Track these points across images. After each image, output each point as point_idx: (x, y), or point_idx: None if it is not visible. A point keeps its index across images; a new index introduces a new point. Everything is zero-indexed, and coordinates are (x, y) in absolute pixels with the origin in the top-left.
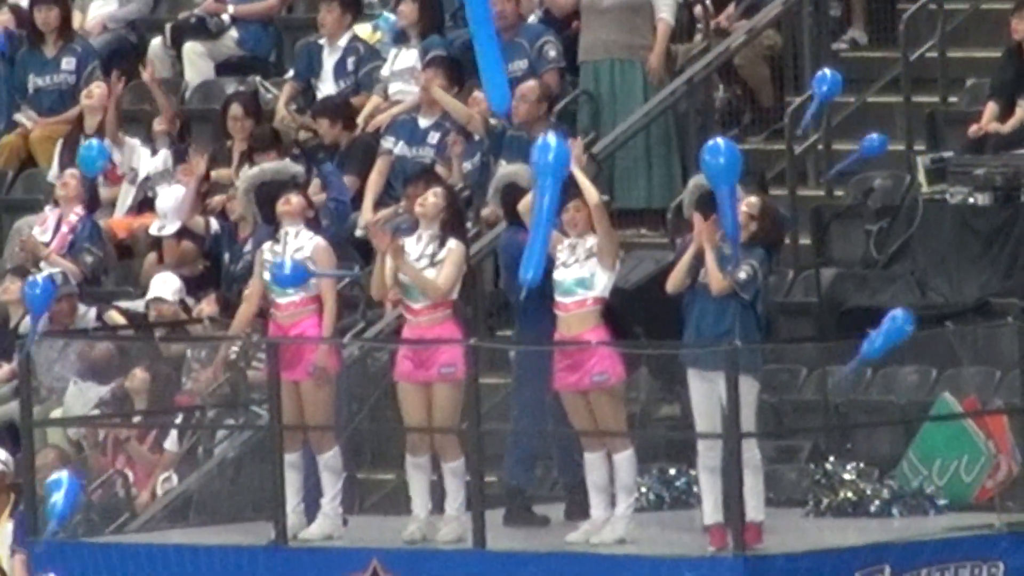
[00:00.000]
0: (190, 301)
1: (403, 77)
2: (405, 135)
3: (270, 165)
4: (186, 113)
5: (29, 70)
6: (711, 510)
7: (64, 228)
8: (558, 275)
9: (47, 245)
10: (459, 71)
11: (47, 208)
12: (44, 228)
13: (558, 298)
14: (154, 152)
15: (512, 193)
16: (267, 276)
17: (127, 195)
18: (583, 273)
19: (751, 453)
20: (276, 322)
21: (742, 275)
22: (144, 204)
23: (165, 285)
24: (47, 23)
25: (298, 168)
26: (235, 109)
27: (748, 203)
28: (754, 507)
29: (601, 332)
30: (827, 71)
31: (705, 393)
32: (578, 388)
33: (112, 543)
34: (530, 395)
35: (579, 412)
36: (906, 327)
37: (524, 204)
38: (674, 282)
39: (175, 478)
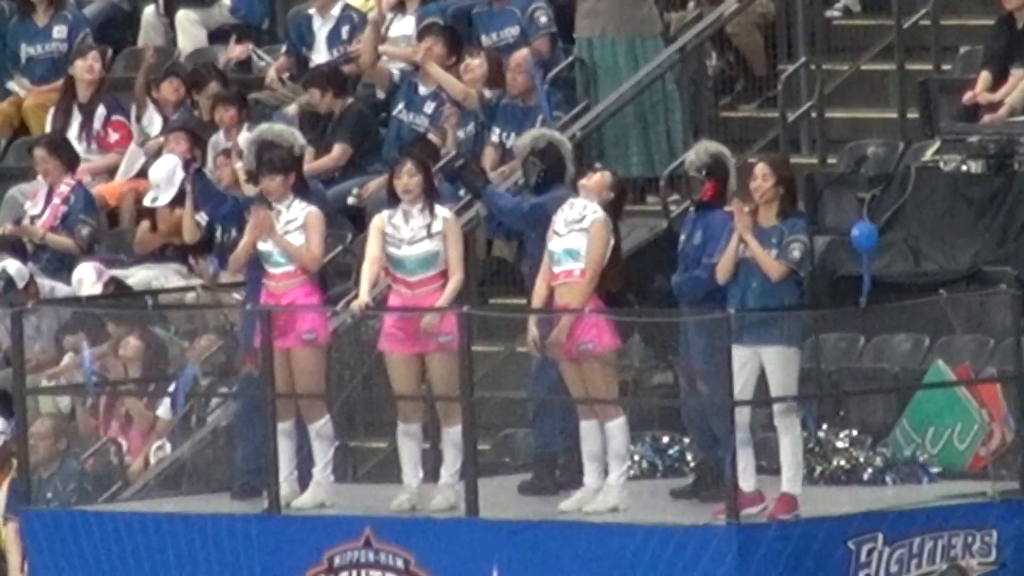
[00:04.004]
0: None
1: (398, 45)
2: (404, 97)
3: (275, 127)
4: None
5: (20, 39)
6: (746, 477)
7: (56, 200)
8: (552, 245)
9: (39, 216)
10: (457, 39)
11: (39, 178)
12: (35, 201)
13: (552, 267)
14: (166, 120)
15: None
16: (261, 246)
17: (135, 159)
18: (572, 244)
19: (790, 424)
20: (268, 291)
21: (796, 254)
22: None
23: (83, 283)
24: None
25: (299, 140)
26: (214, 88)
27: (603, 176)
28: (789, 479)
29: (592, 302)
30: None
31: (740, 363)
32: (568, 356)
33: (105, 511)
34: (545, 364)
35: (574, 380)
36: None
37: None
38: (725, 272)
39: (168, 446)
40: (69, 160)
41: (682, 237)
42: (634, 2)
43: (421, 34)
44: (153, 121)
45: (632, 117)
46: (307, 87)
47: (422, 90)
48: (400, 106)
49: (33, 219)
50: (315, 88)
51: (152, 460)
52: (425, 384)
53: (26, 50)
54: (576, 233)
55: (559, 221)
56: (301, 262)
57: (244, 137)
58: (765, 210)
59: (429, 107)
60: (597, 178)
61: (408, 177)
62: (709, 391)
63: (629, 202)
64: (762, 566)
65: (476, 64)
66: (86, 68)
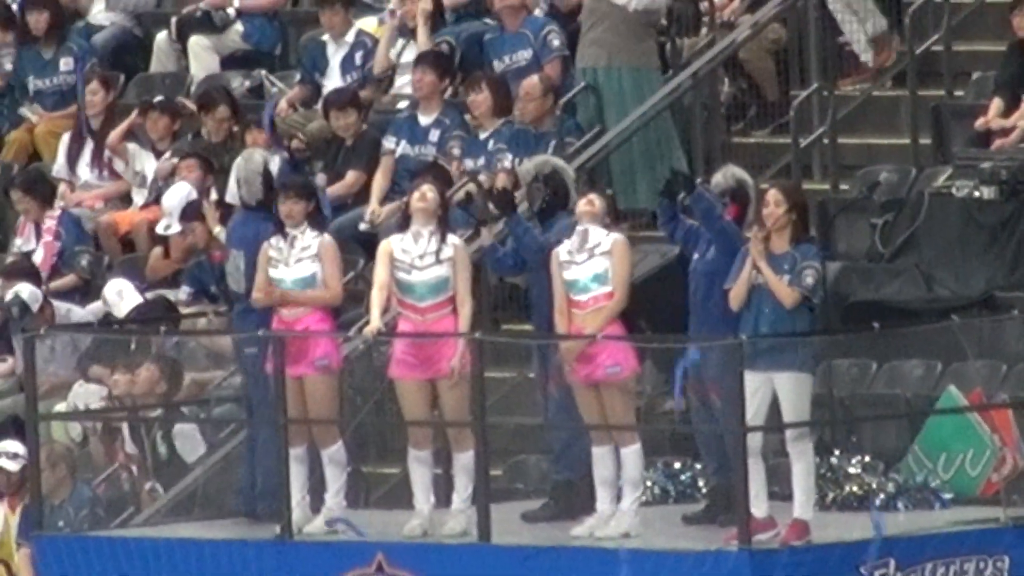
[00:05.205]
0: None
1: (409, 70)
2: (406, 134)
3: (254, 158)
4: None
5: (28, 72)
6: (758, 502)
7: (47, 236)
8: (570, 274)
9: (33, 252)
10: (448, 64)
11: (22, 217)
12: (25, 236)
13: (574, 296)
14: (159, 155)
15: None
16: (272, 273)
17: (138, 198)
18: (597, 269)
19: (803, 450)
20: (281, 318)
21: (809, 280)
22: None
23: (124, 295)
24: (38, 25)
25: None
26: (223, 111)
27: (592, 199)
28: (801, 505)
29: (615, 327)
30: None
31: (752, 389)
32: (590, 380)
33: (117, 537)
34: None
35: (589, 405)
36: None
37: None
38: (738, 299)
39: (159, 487)
40: (45, 195)
41: (695, 256)
42: (638, 35)
43: (415, 66)
44: (137, 157)
45: (640, 148)
46: (331, 111)
47: (423, 120)
48: (402, 144)
49: (27, 254)
50: (340, 111)
51: (147, 498)
52: (437, 410)
53: (34, 83)
54: (599, 258)
55: (571, 250)
56: (325, 304)
57: (237, 164)
58: (778, 236)
59: (434, 135)
60: (599, 204)
61: (428, 190)
62: (722, 403)
63: (639, 228)
64: None
65: (481, 99)
66: (96, 107)
